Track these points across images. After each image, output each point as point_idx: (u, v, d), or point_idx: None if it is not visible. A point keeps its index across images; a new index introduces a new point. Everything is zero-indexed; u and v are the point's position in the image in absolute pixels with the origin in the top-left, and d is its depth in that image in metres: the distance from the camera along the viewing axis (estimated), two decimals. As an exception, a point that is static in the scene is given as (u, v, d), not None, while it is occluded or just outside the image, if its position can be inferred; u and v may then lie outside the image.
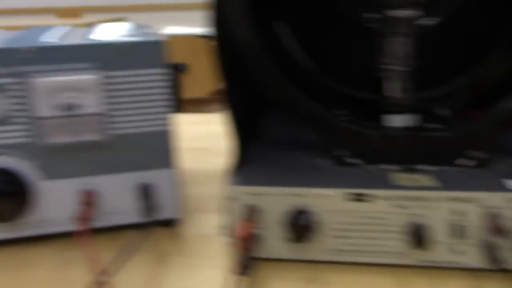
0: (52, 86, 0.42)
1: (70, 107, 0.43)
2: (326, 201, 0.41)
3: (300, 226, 0.41)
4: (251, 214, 0.41)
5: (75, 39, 0.46)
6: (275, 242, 0.42)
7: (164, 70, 0.44)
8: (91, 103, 0.43)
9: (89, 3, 4.89)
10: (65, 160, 0.45)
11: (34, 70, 0.42)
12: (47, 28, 0.55)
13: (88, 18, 3.88)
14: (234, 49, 0.44)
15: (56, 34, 0.49)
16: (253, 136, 0.53)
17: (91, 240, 0.41)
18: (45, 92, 0.42)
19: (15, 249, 0.46)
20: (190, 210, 0.53)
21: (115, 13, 4.77)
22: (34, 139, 0.44)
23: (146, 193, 0.46)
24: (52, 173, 0.45)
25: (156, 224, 0.50)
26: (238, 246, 0.40)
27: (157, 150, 0.46)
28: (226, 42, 0.45)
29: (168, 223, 0.49)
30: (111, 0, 4.88)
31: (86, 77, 0.43)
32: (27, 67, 0.42)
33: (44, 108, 0.43)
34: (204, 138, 0.77)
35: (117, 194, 0.47)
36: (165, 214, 0.48)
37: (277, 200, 0.42)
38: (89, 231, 0.42)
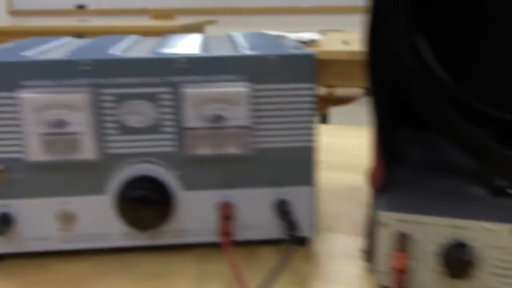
0: (202, 97, 0.42)
1: (217, 119, 0.42)
2: (490, 236, 0.38)
3: (460, 261, 0.37)
4: (403, 243, 0.39)
5: (223, 50, 0.45)
6: (427, 275, 0.39)
7: (314, 85, 0.43)
8: (238, 116, 0.42)
9: (182, 5, 5.03)
10: (205, 171, 0.44)
11: (185, 80, 0.42)
12: (182, 36, 0.55)
13: (181, 21, 3.99)
14: (386, 62, 0.42)
15: (197, 44, 0.48)
16: (394, 155, 0.50)
17: (233, 254, 0.40)
18: (194, 103, 0.42)
19: (154, 257, 0.46)
20: (321, 229, 0.51)
21: (206, 16, 4.88)
22: (179, 149, 0.44)
23: (284, 209, 0.45)
24: (192, 184, 0.45)
25: (291, 242, 0.49)
26: (393, 278, 0.37)
27: (299, 166, 0.45)
28: (379, 55, 0.42)
29: (302, 241, 0.48)
30: (202, 2, 4.99)
31: (236, 90, 0.42)
32: (179, 77, 0.42)
33: (192, 119, 0.42)
34: (325, 151, 0.76)
35: (254, 209, 0.46)
36: (301, 232, 0.46)
37: (433, 230, 0.39)
38: (230, 244, 0.42)
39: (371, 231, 0.43)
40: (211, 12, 4.96)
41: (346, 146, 0.79)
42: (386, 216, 0.40)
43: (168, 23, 3.60)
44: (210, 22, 4.00)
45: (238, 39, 0.51)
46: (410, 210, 0.40)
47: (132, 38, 0.54)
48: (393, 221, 0.40)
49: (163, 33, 3.34)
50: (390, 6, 0.40)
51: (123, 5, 5.31)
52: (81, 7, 5.50)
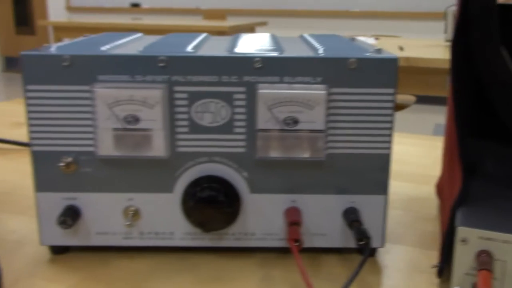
0: (276, 99, 0.41)
1: (291, 121, 0.41)
2: None
3: (549, 285, 0.35)
4: (488, 262, 0.36)
5: (299, 51, 0.44)
6: (510, 297, 0.37)
7: (395, 90, 0.41)
8: (313, 119, 0.41)
9: (234, 6, 5.06)
10: (274, 175, 0.43)
11: (260, 80, 0.41)
12: (253, 36, 0.54)
13: (232, 21, 4.01)
14: (471, 72, 0.40)
15: (270, 44, 0.47)
16: (468, 168, 0.48)
17: (302, 262, 0.38)
18: (268, 104, 0.41)
19: (216, 259, 0.45)
20: (387, 240, 0.49)
21: (257, 17, 4.89)
22: (249, 151, 0.43)
23: (353, 218, 0.43)
24: (260, 187, 0.44)
25: (357, 252, 0.47)
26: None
27: (373, 174, 0.43)
28: (465, 65, 0.40)
29: (372, 253, 0.46)
30: (254, 4, 5.01)
31: (313, 92, 0.41)
32: (254, 77, 0.41)
33: (265, 120, 0.41)
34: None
35: (322, 216, 0.44)
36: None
37: (519, 250, 0.36)
38: (298, 251, 0.40)
39: (447, 247, 0.40)
40: (262, 13, 4.96)
41: (403, 154, 0.76)
42: (467, 232, 0.37)
43: (220, 23, 3.63)
44: (262, 24, 4.00)
45: (312, 40, 0.50)
46: (494, 227, 0.37)
47: (203, 36, 0.53)
48: (475, 238, 0.37)
49: (215, 33, 3.36)
50: (482, 18, 0.38)
51: (176, 4, 5.39)
52: (135, 5, 5.61)
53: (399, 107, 2.20)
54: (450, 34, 2.19)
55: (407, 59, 1.89)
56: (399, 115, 2.88)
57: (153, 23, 3.73)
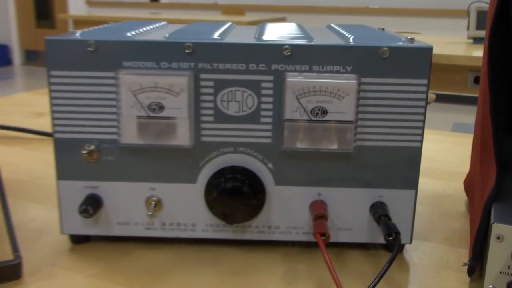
0: (305, 88, 0.40)
1: (319, 112, 0.40)
2: None
3: None
4: (523, 260, 0.35)
5: (328, 39, 0.43)
6: (547, 298, 0.35)
7: (428, 81, 0.39)
8: (343, 110, 0.40)
9: (252, 1, 5.04)
10: (301, 166, 0.42)
11: (288, 69, 0.40)
12: (279, 25, 0.53)
13: (251, 17, 4.00)
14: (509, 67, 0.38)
15: (298, 33, 0.46)
16: (501, 164, 0.46)
17: (329, 256, 0.37)
18: (296, 93, 0.40)
19: (239, 252, 0.44)
20: (414, 236, 0.48)
21: (275, 13, 4.87)
22: (276, 141, 0.42)
23: (381, 213, 0.42)
24: (285, 179, 0.43)
25: (383, 247, 0.45)
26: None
27: (403, 167, 0.42)
28: (503, 59, 0.38)
29: (401, 249, 0.44)
30: (272, 0, 4.99)
31: (343, 82, 0.39)
32: (282, 65, 0.40)
33: (293, 110, 0.40)
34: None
35: (348, 210, 0.43)
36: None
37: (558, 249, 0.35)
38: (325, 246, 0.39)
39: (479, 244, 0.39)
40: (280, 9, 4.94)
41: (427, 150, 0.74)
42: (503, 229, 0.36)
43: (238, 19, 3.62)
44: (281, 19, 3.98)
45: (340, 29, 0.49)
46: (531, 225, 0.36)
47: (228, 25, 0.52)
48: (511, 235, 0.36)
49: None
50: None
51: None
52: (154, 0, 5.63)
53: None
54: (472, 32, 2.15)
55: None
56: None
57: (172, 17, 3.73)
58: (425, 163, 0.69)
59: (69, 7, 6.10)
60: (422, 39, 2.40)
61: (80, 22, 4.06)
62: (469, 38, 2.20)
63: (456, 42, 2.26)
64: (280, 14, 4.78)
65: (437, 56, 1.87)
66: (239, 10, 4.50)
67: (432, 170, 0.66)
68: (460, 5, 4.32)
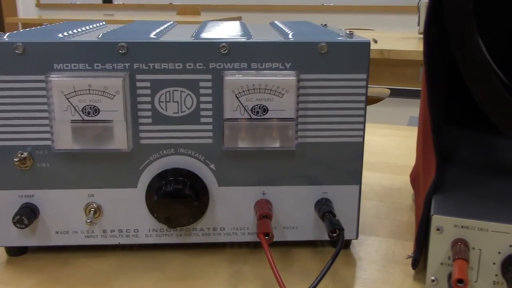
0: (244, 86, 0.39)
1: (260, 110, 0.39)
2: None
3: (527, 273, 0.34)
4: (463, 251, 0.35)
5: (268, 36, 0.42)
6: (486, 286, 0.36)
7: (367, 76, 0.39)
8: (283, 107, 0.39)
9: (207, 1, 5.02)
10: (243, 166, 0.41)
11: (226, 67, 0.39)
12: (220, 23, 0.52)
13: (206, 17, 3.98)
14: (446, 59, 0.38)
15: (238, 30, 0.45)
16: (442, 156, 0.47)
17: (272, 257, 0.37)
18: (235, 91, 0.39)
19: (184, 256, 0.43)
20: (360, 231, 0.48)
21: (231, 13, 4.86)
22: (216, 142, 0.41)
23: (326, 209, 0.42)
24: (228, 179, 0.42)
25: (330, 244, 0.45)
26: (451, 289, 0.33)
27: (346, 163, 0.41)
28: (439, 52, 0.39)
29: (347, 245, 0.44)
30: (228, -1, 4.97)
31: (283, 79, 0.39)
32: (220, 63, 0.39)
33: (232, 109, 0.39)
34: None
35: (294, 208, 0.43)
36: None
37: (495, 237, 0.35)
38: (268, 246, 0.38)
39: (422, 236, 0.39)
40: (235, 8, 4.93)
41: (377, 144, 0.75)
42: (442, 221, 0.36)
43: (194, 19, 3.59)
44: (236, 19, 3.97)
45: (282, 26, 0.48)
46: (469, 215, 0.36)
47: (169, 23, 0.51)
48: (450, 226, 0.36)
49: (189, 28, 3.31)
50: (463, 6, 0.36)
51: (149, 0, 5.32)
52: (107, 1, 5.52)
53: (374, 100, 2.20)
54: (422, 27, 2.20)
55: (381, 51, 1.89)
56: (374, 108, 2.89)
57: (126, 19, 3.66)
58: (374, 157, 0.69)
59: (18, 10, 5.92)
60: (375, 35, 2.44)
61: (30, 26, 3.94)
62: (419, 33, 2.25)
63: (407, 38, 2.31)
64: (236, 13, 4.78)
65: (389, 52, 1.90)
66: (194, 10, 4.46)
67: (381, 164, 0.67)
68: (411, 1, 4.42)
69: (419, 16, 2.23)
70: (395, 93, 2.57)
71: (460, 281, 0.33)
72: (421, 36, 2.30)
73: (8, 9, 5.99)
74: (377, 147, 0.74)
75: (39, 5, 5.91)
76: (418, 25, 2.25)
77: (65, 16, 4.12)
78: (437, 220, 0.36)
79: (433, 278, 0.37)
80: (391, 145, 0.75)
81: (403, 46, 1.98)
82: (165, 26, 0.49)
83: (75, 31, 0.44)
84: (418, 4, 2.23)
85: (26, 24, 3.96)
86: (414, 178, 0.54)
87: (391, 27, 4.51)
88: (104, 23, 0.53)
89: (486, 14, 0.48)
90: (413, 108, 3.88)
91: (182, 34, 0.44)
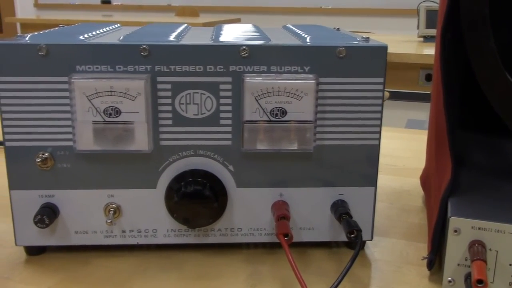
0: (263, 89, 0.40)
1: (279, 112, 0.40)
2: None
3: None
4: (481, 252, 0.36)
5: (286, 40, 0.43)
6: (503, 287, 0.37)
7: (384, 80, 0.40)
8: (301, 110, 0.40)
9: (206, 3, 5.02)
10: (262, 168, 0.42)
11: (246, 70, 0.40)
12: (235, 26, 0.53)
13: (205, 18, 3.98)
14: (462, 64, 0.39)
15: (255, 34, 0.46)
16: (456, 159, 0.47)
17: (293, 257, 0.37)
18: (255, 94, 0.40)
19: (202, 257, 0.44)
20: (374, 233, 0.49)
21: (229, 14, 4.87)
22: (235, 143, 0.41)
23: (342, 211, 0.42)
24: (247, 180, 0.42)
25: (345, 245, 0.46)
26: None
27: (362, 166, 0.42)
28: (454, 57, 0.40)
29: (362, 246, 0.45)
30: (226, 1, 4.98)
31: (302, 82, 0.39)
32: (240, 66, 0.40)
33: (252, 112, 0.40)
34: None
35: (310, 209, 0.43)
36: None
37: (511, 239, 0.36)
38: (288, 246, 0.39)
39: (438, 238, 0.40)
40: (234, 10, 4.94)
41: (383, 147, 0.76)
42: (460, 223, 0.37)
43: (193, 20, 3.59)
44: (235, 20, 3.98)
45: (297, 30, 0.49)
46: (486, 217, 0.37)
47: (183, 26, 0.52)
48: (467, 228, 0.37)
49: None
50: (479, 14, 0.37)
51: (148, 1, 5.32)
52: (106, 2, 5.52)
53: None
54: (422, 30, 2.21)
55: (381, 54, 1.89)
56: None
57: (125, 20, 3.67)
58: (382, 160, 0.70)
59: (16, 10, 5.91)
60: (375, 38, 2.45)
61: (28, 26, 3.94)
62: (419, 36, 2.26)
63: (407, 41, 2.32)
64: (234, 15, 4.78)
65: (390, 55, 1.91)
66: (193, 11, 4.47)
67: (389, 167, 0.67)
68: (410, 4, 4.43)
69: (418, 20, 2.24)
70: (393, 96, 2.58)
71: (480, 281, 0.33)
72: (420, 39, 2.32)
73: (6, 9, 5.98)
74: (383, 150, 0.74)
75: (37, 5, 5.91)
76: (418, 28, 2.26)
77: (63, 16, 4.11)
78: (454, 222, 0.37)
79: (450, 279, 0.38)
80: (396, 147, 0.76)
81: (403, 49, 1.99)
82: (181, 28, 0.49)
83: (94, 33, 0.45)
84: (417, 7, 2.24)
85: (25, 24, 3.95)
86: (425, 180, 0.54)
87: (390, 30, 4.52)
88: (119, 25, 0.54)
89: (499, 15, 0.48)
90: (411, 111, 3.89)
91: (200, 37, 0.44)
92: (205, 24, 3.48)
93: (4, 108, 0.40)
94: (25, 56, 0.39)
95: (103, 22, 0.51)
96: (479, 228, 0.36)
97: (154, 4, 5.30)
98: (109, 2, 5.54)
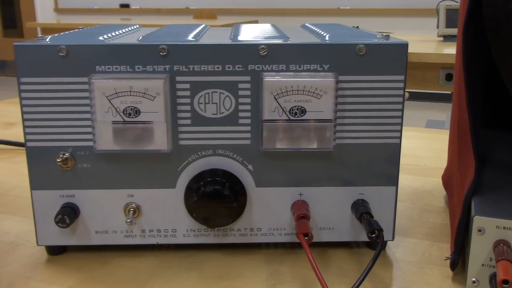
0: (282, 87, 0.39)
1: (298, 111, 0.40)
2: None
3: None
4: (505, 252, 0.35)
5: (305, 38, 0.42)
6: (530, 289, 0.36)
7: (405, 77, 0.39)
8: (321, 109, 0.40)
9: (224, 5, 5.04)
10: (281, 167, 0.42)
11: (265, 69, 0.39)
12: (253, 26, 0.53)
13: (223, 20, 3.99)
14: (485, 62, 0.38)
15: (273, 33, 0.46)
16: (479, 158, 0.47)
17: (313, 257, 0.37)
18: (274, 93, 0.39)
19: (222, 256, 0.44)
20: (396, 233, 0.48)
21: (247, 16, 4.88)
22: (255, 143, 0.41)
23: (363, 210, 0.42)
24: (266, 180, 0.42)
25: (365, 245, 0.45)
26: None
27: (383, 165, 0.42)
28: (478, 54, 0.39)
29: (384, 246, 0.44)
30: (244, 3, 4.99)
31: (321, 80, 0.39)
32: (259, 65, 0.39)
33: (271, 111, 0.40)
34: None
35: (331, 209, 0.43)
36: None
37: (539, 239, 0.35)
38: (308, 246, 0.38)
39: (461, 238, 0.39)
40: (252, 12, 4.95)
41: (404, 147, 0.75)
42: (484, 222, 0.36)
43: (210, 23, 3.61)
44: (253, 22, 3.98)
45: (315, 28, 0.48)
46: (511, 216, 0.36)
47: (202, 26, 0.52)
48: (492, 227, 0.36)
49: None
50: (502, 10, 0.36)
51: (166, 4, 5.36)
52: (125, 6, 5.57)
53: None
54: (442, 30, 2.19)
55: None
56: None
57: (144, 23, 3.70)
58: (403, 159, 0.69)
59: (37, 15, 6.00)
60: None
61: (49, 30, 3.99)
62: (439, 36, 2.23)
63: (426, 40, 2.30)
64: (252, 17, 4.79)
65: (409, 55, 1.88)
66: (210, 14, 4.49)
67: (410, 167, 0.66)
68: (429, 4, 4.39)
69: (438, 19, 2.21)
70: (413, 96, 2.55)
71: (505, 281, 0.32)
72: (440, 38, 2.29)
73: (27, 14, 6.08)
74: (403, 149, 0.73)
75: (57, 10, 5.99)
76: (437, 27, 2.24)
77: (83, 20, 4.16)
78: (478, 221, 0.36)
79: (474, 279, 0.37)
80: (417, 147, 0.75)
81: (422, 48, 1.97)
82: (200, 28, 0.49)
83: (113, 34, 0.45)
84: (437, 6, 2.22)
85: (45, 29, 4.01)
86: (447, 180, 0.54)
87: (409, 30, 4.48)
88: (137, 26, 0.54)
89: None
90: (431, 111, 3.85)
91: (219, 37, 0.44)
92: (223, 26, 3.49)
93: (25, 109, 0.40)
94: (45, 57, 0.39)
95: (122, 24, 0.51)
96: (504, 228, 0.36)
97: (172, 7, 5.34)
98: (128, 6, 5.59)
